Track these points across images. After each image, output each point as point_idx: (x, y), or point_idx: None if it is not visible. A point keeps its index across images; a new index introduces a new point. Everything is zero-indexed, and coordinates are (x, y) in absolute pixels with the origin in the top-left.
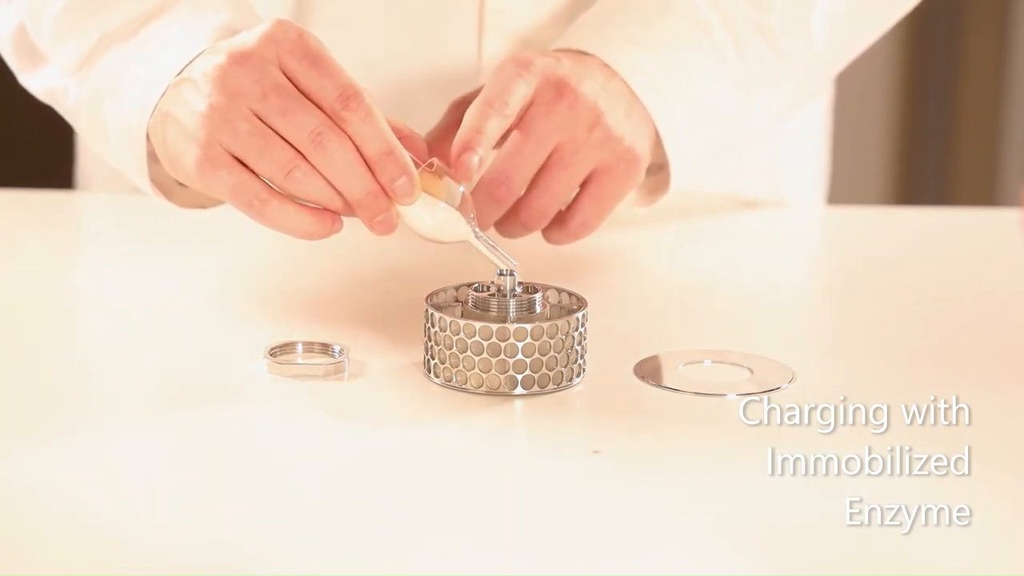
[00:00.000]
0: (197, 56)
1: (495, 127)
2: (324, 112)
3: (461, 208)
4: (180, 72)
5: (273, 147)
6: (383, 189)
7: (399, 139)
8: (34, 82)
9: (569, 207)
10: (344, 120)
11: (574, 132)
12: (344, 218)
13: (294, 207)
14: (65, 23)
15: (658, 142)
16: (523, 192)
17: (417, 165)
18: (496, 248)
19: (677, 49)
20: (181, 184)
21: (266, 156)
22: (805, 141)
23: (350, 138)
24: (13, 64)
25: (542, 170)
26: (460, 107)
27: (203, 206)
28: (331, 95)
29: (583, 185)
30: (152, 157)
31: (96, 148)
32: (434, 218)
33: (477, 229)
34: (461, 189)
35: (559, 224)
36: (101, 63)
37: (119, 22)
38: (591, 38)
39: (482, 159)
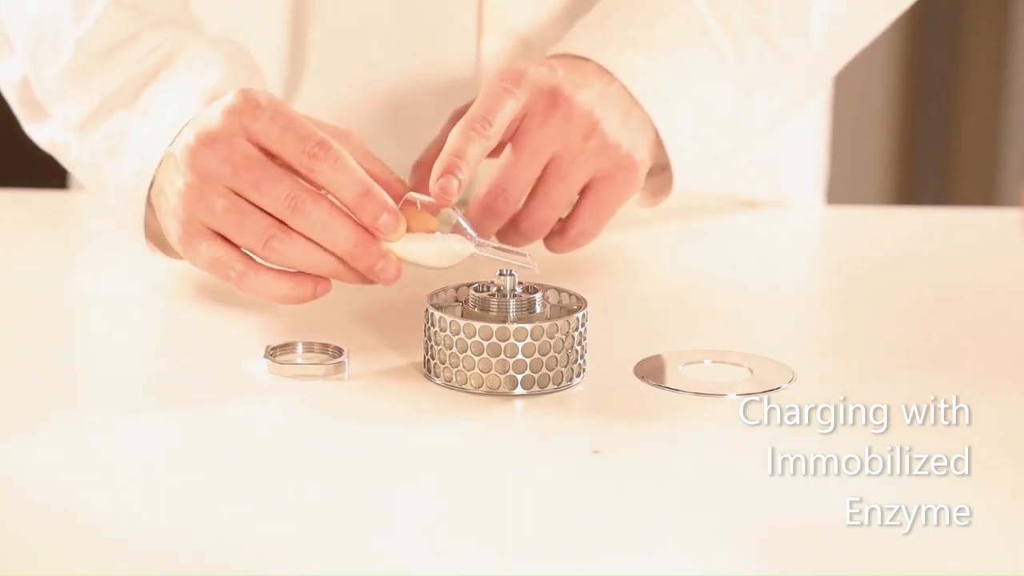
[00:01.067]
0: (184, 127)
1: (477, 149)
2: (295, 169)
3: (455, 229)
4: (170, 144)
5: (249, 220)
6: (368, 233)
7: (381, 183)
8: (38, 133)
9: (569, 216)
10: (314, 171)
11: (569, 141)
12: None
13: (271, 275)
14: (68, 82)
15: (659, 144)
16: (521, 203)
17: (396, 198)
18: (505, 249)
19: (676, 50)
20: None
21: (244, 230)
22: (805, 141)
23: (324, 188)
24: (18, 113)
25: (540, 181)
26: (461, 116)
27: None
28: (298, 149)
29: (582, 193)
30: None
31: (94, 197)
32: (432, 247)
33: (478, 239)
34: (453, 212)
35: (559, 233)
36: (103, 125)
37: (120, 82)
38: (588, 42)
39: (461, 182)
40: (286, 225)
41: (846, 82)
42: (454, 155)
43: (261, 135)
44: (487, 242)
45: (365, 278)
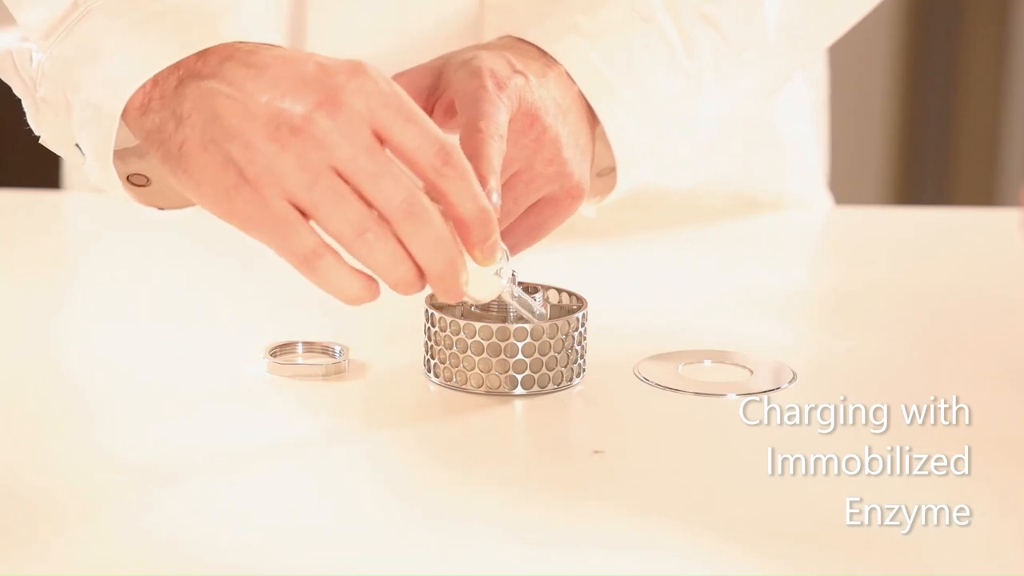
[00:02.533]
0: (214, 48)
1: (499, 161)
2: (422, 170)
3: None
4: (203, 76)
5: (348, 204)
6: (460, 258)
7: None
8: None
9: (506, 229)
10: (445, 176)
11: (533, 164)
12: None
13: (348, 269)
14: None
15: (601, 146)
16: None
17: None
18: (523, 299)
19: (620, 36)
20: (136, 184)
21: (338, 214)
22: (807, 143)
23: (444, 195)
24: None
25: None
26: (400, 82)
27: (161, 207)
28: (431, 150)
29: (524, 210)
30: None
31: (41, 127)
32: (480, 280)
33: (510, 282)
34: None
35: None
36: (78, 30)
37: None
38: (534, 25)
39: (499, 195)
40: (381, 219)
41: (847, 82)
42: (488, 166)
43: (391, 127)
44: (518, 290)
45: (420, 288)
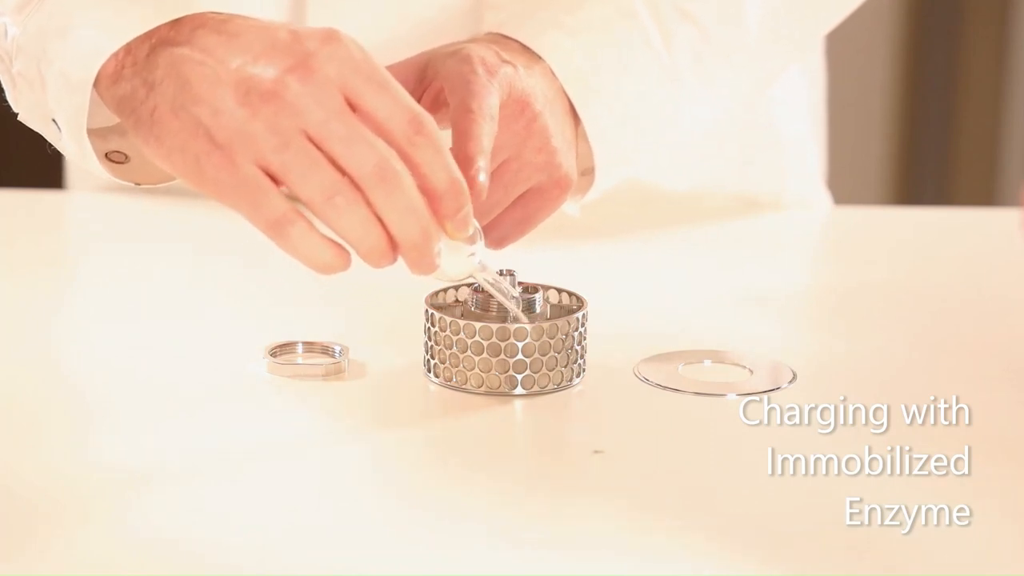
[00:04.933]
0: (182, 18)
1: (490, 142)
2: (393, 138)
3: (471, 240)
4: (174, 43)
5: (319, 168)
6: (434, 228)
7: None
8: None
9: (494, 219)
10: (417, 145)
11: (522, 152)
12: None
13: (319, 237)
14: None
15: (583, 144)
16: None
17: None
18: (500, 285)
19: (602, 32)
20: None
21: (309, 178)
22: (806, 143)
23: (417, 165)
24: None
25: None
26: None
27: (138, 183)
28: (403, 119)
29: (514, 201)
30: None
31: (19, 103)
32: (451, 258)
33: (485, 264)
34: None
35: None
36: (49, 2)
37: None
38: (518, 22)
39: (487, 173)
40: (352, 184)
41: (846, 82)
42: (478, 146)
43: (363, 95)
44: (491, 270)
45: (392, 259)
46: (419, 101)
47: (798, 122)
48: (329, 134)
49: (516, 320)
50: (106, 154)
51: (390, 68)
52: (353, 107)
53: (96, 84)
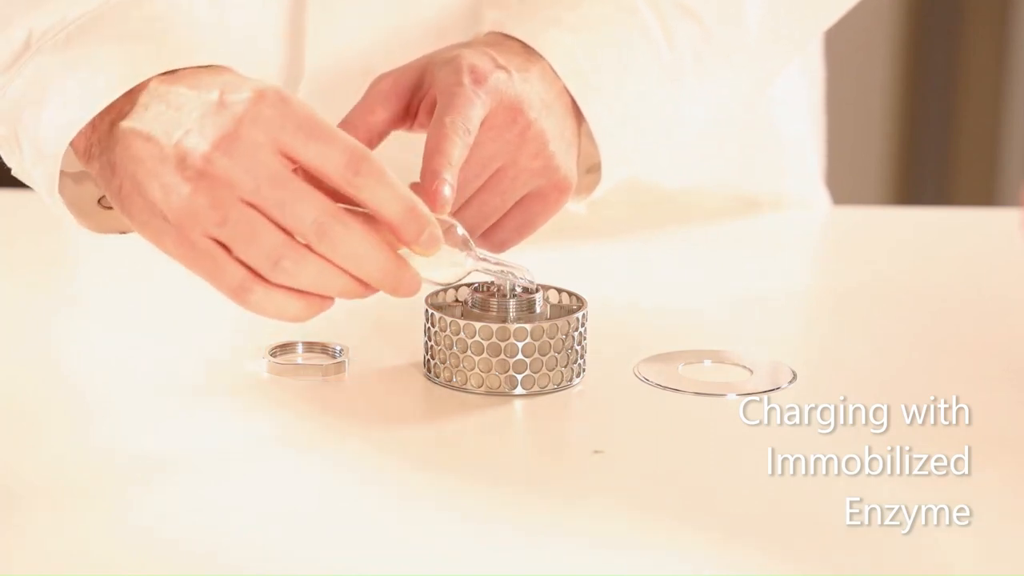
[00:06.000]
0: (141, 94)
1: (461, 154)
2: (334, 184)
3: (456, 242)
4: (127, 115)
5: (262, 235)
6: (399, 257)
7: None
8: None
9: (495, 224)
10: (358, 187)
11: (518, 159)
12: None
13: (282, 292)
14: None
15: (588, 142)
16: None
17: None
18: (503, 263)
19: (602, 29)
20: (104, 206)
21: (253, 246)
22: (805, 143)
23: (364, 203)
24: None
25: (479, 190)
26: (385, 82)
27: (122, 231)
28: (339, 162)
29: (513, 206)
30: (78, 179)
31: (7, 160)
32: (444, 261)
33: (478, 253)
34: (455, 224)
35: (480, 237)
36: (28, 70)
37: (50, 21)
38: (517, 20)
39: (452, 187)
40: (297, 243)
41: (846, 82)
42: (444, 160)
43: (293, 146)
44: (487, 256)
45: (372, 291)
46: (416, 108)
47: (798, 122)
48: (263, 201)
49: (524, 286)
50: (99, 200)
51: (390, 73)
52: (293, 161)
53: (77, 155)
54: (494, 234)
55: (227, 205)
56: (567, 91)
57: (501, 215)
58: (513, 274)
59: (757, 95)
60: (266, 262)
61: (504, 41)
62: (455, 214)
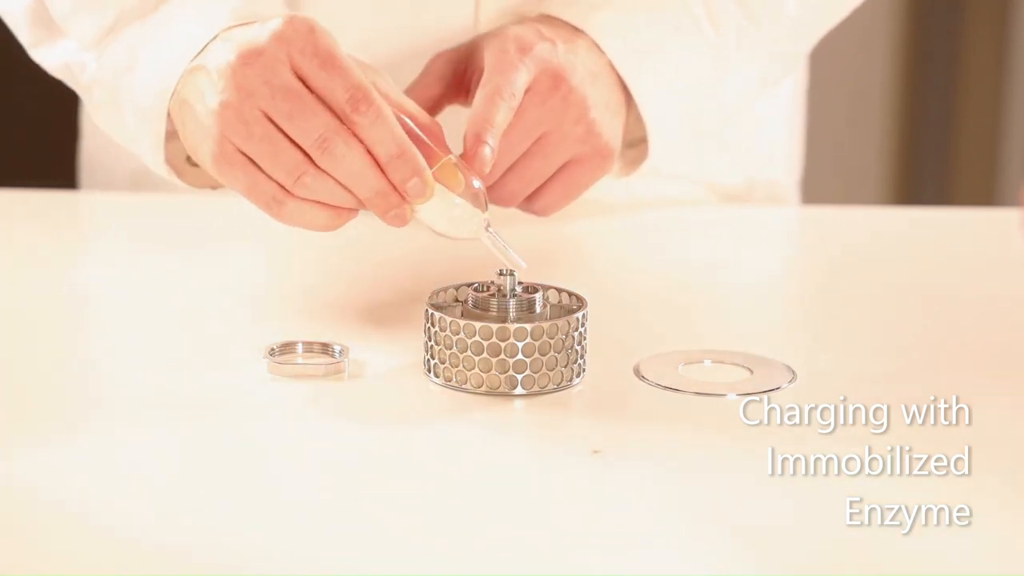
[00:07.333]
0: (211, 41)
1: (504, 118)
2: (334, 113)
3: (475, 202)
4: (195, 58)
5: (282, 152)
6: (394, 188)
7: (419, 126)
8: (48, 56)
9: (538, 189)
10: (354, 123)
11: (561, 124)
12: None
13: (310, 205)
14: None
15: (633, 118)
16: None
17: (433, 157)
18: (507, 248)
19: (650, 12)
20: (192, 164)
21: (276, 162)
22: (777, 126)
23: (360, 140)
24: (25, 38)
25: (523, 155)
26: (441, 60)
27: (214, 187)
28: (341, 97)
29: (556, 171)
30: (169, 137)
31: (107, 126)
32: (448, 214)
33: (490, 228)
34: (477, 184)
35: (524, 201)
36: (119, 41)
37: (135, 1)
38: (569, 7)
39: (493, 149)
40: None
41: (846, 81)
42: (485, 121)
43: (306, 70)
44: (495, 234)
45: (385, 212)
46: (469, 83)
47: (768, 107)
48: (275, 111)
49: (515, 271)
50: (187, 157)
51: (445, 52)
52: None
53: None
54: (537, 199)
55: (251, 120)
56: (612, 67)
57: (544, 180)
58: (509, 257)
59: (786, 76)
60: (288, 178)
61: (551, 20)
62: (500, 179)
